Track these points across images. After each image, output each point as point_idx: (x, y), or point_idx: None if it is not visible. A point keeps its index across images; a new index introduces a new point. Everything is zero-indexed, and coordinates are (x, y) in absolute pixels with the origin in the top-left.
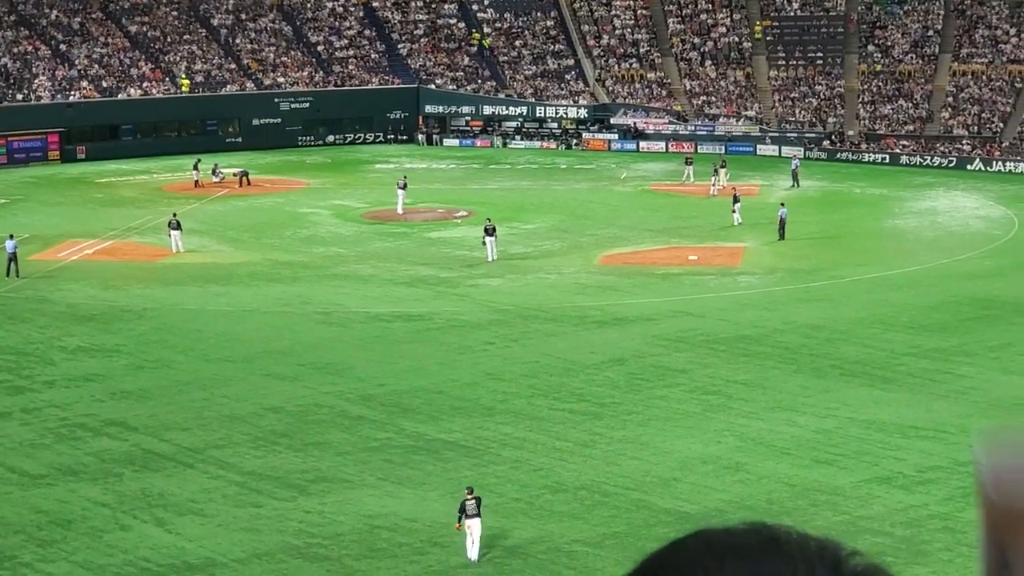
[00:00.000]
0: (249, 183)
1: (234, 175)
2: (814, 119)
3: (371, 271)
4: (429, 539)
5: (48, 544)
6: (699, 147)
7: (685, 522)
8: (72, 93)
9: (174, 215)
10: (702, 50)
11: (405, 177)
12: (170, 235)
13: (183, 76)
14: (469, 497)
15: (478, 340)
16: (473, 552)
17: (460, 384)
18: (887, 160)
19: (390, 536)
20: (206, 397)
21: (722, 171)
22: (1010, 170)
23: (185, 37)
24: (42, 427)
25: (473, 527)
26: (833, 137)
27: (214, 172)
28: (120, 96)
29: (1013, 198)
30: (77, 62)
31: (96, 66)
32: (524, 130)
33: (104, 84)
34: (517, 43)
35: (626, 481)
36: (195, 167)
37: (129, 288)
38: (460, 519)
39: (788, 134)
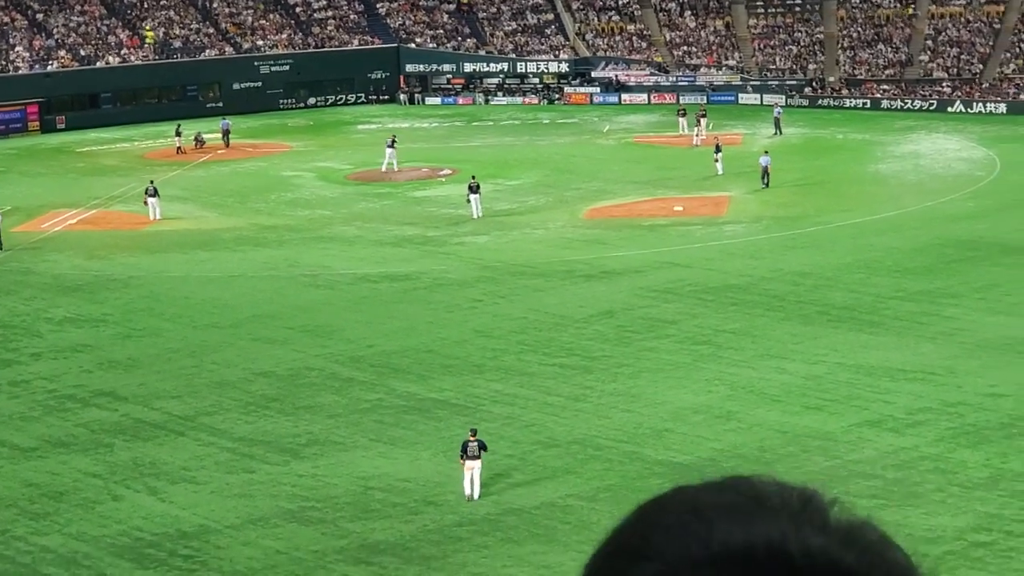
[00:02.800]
0: (228, 145)
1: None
2: (794, 66)
3: (357, 232)
4: (423, 498)
5: (41, 517)
6: (681, 98)
7: (679, 472)
8: (50, 63)
9: (151, 183)
10: (681, 1)
11: (394, 136)
12: (147, 203)
13: (147, 28)
14: (472, 439)
15: (466, 298)
16: (472, 490)
17: (449, 342)
18: (868, 105)
19: (384, 497)
20: (195, 364)
21: (703, 121)
22: (990, 111)
23: (162, 2)
24: (31, 400)
25: (475, 468)
26: (814, 84)
27: (196, 139)
28: (98, 64)
29: (994, 139)
30: (54, 31)
31: (73, 35)
32: (506, 86)
33: (82, 52)
34: None
35: (618, 434)
36: (177, 133)
37: (114, 257)
38: (462, 456)
39: (769, 82)
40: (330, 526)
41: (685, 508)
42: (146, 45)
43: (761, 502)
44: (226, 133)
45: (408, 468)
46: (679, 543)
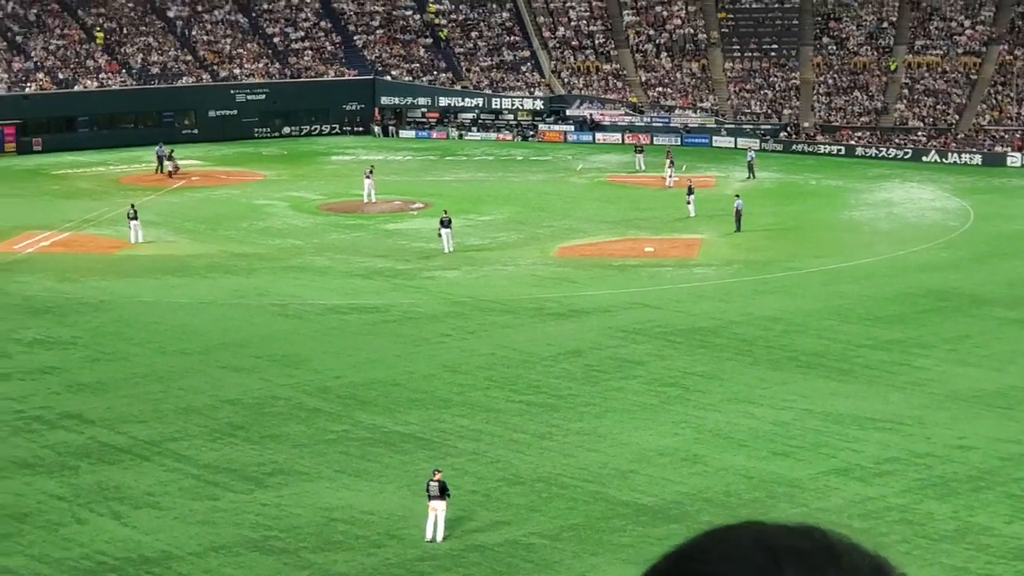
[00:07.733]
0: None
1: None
2: (770, 111)
3: (328, 263)
4: (386, 531)
5: (4, 538)
6: (655, 139)
7: (642, 514)
8: (28, 85)
9: (132, 206)
10: (657, 42)
11: (371, 166)
12: (129, 226)
13: (98, 30)
14: (434, 479)
15: (435, 332)
16: (436, 533)
17: (417, 376)
18: (843, 152)
19: (347, 528)
20: (163, 389)
21: (667, 161)
22: (965, 161)
23: (141, 28)
24: None
25: (438, 510)
26: (789, 129)
27: (169, 159)
28: (76, 88)
29: (968, 189)
30: (33, 54)
31: (52, 58)
32: (480, 122)
33: (60, 76)
34: (473, 35)
35: (583, 473)
36: (169, 157)
37: (86, 280)
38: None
39: (744, 126)
40: (292, 556)
41: (757, 544)
42: (96, 44)
43: (837, 556)
44: (161, 159)
45: (372, 501)
46: (743, 573)
